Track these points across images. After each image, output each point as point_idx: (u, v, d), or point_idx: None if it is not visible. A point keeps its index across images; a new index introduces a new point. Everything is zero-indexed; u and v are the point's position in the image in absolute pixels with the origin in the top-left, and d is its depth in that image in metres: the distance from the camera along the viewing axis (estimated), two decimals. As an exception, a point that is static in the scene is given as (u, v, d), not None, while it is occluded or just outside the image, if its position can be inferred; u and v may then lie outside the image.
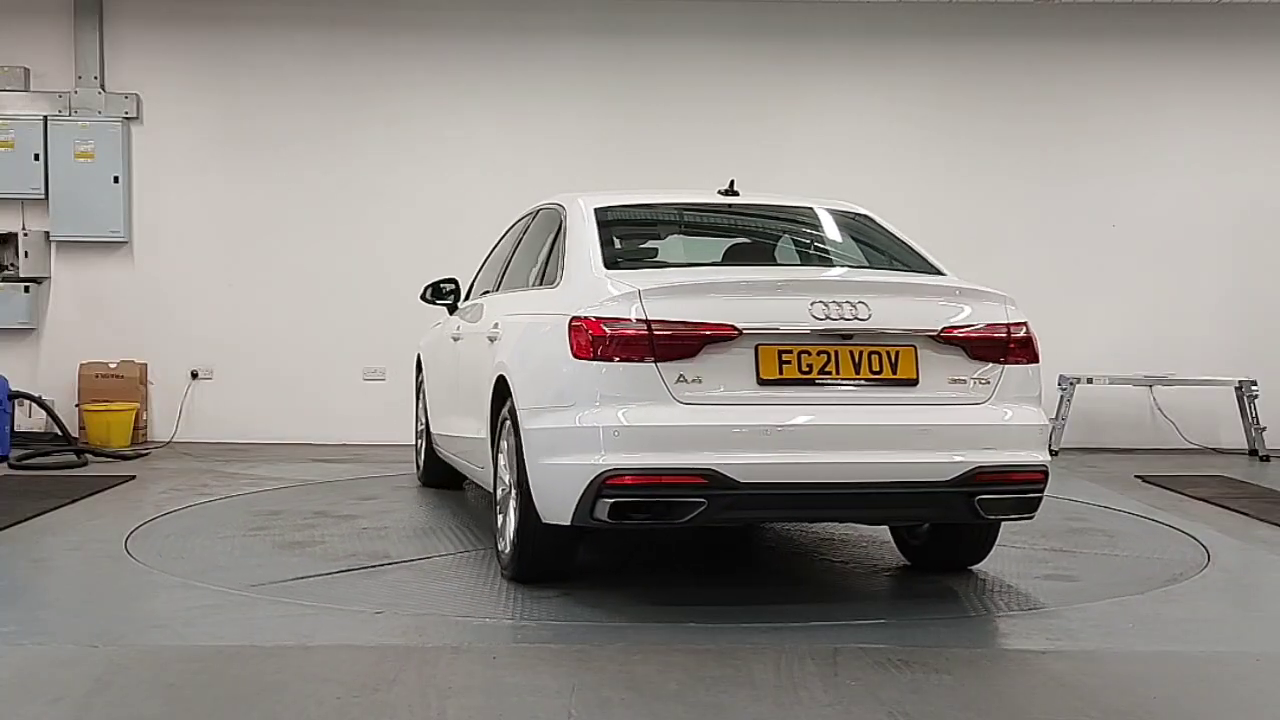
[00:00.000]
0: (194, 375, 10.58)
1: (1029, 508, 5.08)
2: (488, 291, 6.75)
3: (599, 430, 4.68)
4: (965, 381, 4.94)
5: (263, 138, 10.65)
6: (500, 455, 5.51)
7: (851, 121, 10.81)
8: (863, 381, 4.82)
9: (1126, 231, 10.71)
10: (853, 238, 5.99)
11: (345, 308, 10.58)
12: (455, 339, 6.80)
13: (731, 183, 6.10)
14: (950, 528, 5.53)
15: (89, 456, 9.33)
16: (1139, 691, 4.02)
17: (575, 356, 4.77)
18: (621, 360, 4.70)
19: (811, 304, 4.79)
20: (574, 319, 4.84)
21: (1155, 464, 9.62)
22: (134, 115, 10.51)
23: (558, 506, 4.86)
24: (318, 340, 10.59)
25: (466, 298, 7.23)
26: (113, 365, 10.35)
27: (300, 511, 7.15)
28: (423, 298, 7.39)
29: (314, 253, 10.61)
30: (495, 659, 4.27)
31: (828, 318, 4.77)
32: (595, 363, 4.73)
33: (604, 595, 5.22)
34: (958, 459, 4.81)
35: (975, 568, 5.75)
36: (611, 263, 5.28)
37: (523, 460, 5.06)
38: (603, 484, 4.63)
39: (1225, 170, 10.78)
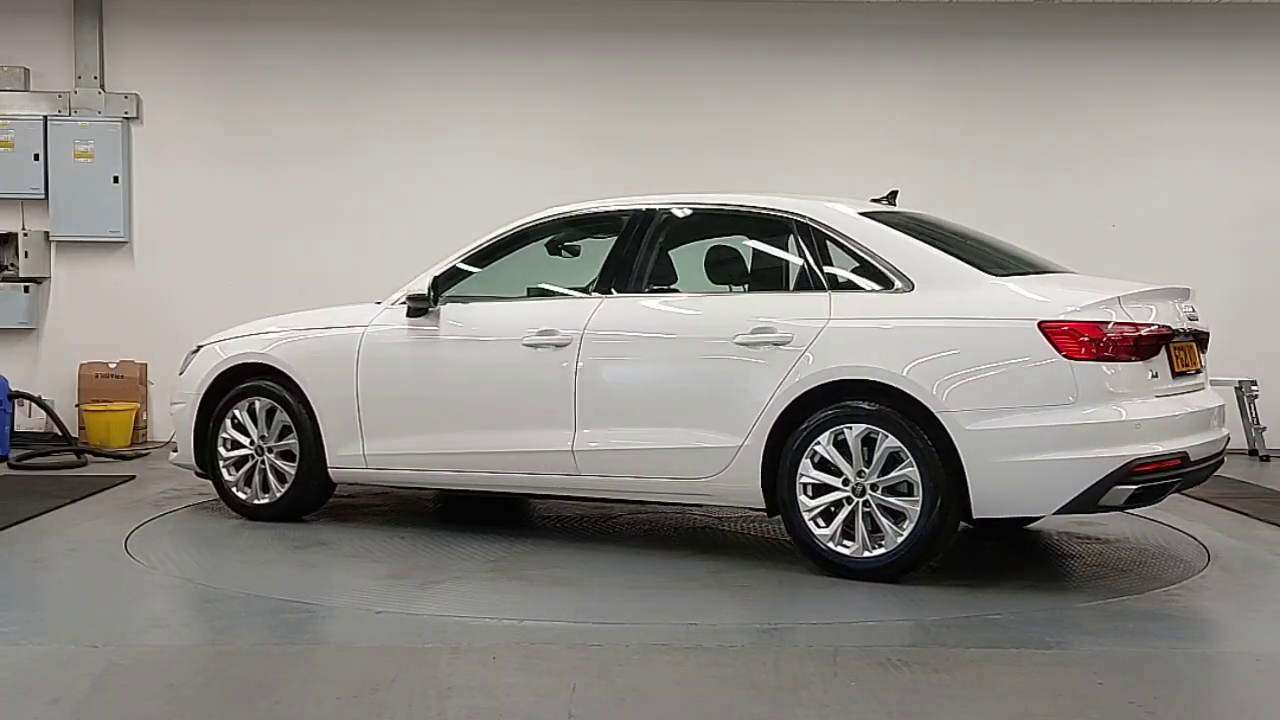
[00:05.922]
0: (194, 375, 10.57)
1: None
2: (580, 294, 6.26)
3: (1122, 425, 5.15)
4: (1202, 370, 5.85)
5: (263, 137, 10.63)
6: (805, 462, 5.48)
7: (851, 121, 10.79)
8: (1187, 372, 5.64)
9: (1126, 231, 10.70)
10: (993, 242, 6.46)
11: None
12: (536, 346, 6.11)
13: (895, 193, 6.69)
14: None
15: (89, 456, 9.34)
16: (1139, 691, 4.02)
17: (1068, 357, 5.14)
18: (1124, 359, 5.22)
19: (1179, 307, 5.64)
20: (1057, 323, 5.19)
21: (1155, 464, 9.59)
22: (134, 115, 10.51)
23: (1036, 498, 5.28)
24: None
25: (435, 303, 6.56)
26: (113, 365, 10.35)
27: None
28: (421, 301, 6.61)
29: (314, 252, 10.59)
30: (495, 659, 4.27)
31: (1187, 319, 5.66)
32: (1096, 363, 5.16)
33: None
34: (1227, 433, 5.89)
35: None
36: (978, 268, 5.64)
37: (953, 460, 5.22)
38: (1130, 472, 5.10)
39: (1225, 171, 10.76)
